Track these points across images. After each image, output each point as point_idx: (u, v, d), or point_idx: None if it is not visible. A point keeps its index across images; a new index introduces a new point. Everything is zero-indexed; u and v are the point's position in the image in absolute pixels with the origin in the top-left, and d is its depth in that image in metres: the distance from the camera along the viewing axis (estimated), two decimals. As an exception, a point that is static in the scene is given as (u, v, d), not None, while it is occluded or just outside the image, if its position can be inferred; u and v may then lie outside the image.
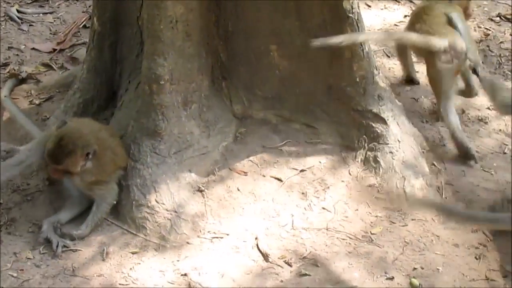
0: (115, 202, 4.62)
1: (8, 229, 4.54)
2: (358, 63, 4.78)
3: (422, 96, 5.58)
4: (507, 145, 5.25)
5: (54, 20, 6.11)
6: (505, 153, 5.20)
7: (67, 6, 6.28)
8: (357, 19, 4.72)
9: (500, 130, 5.37)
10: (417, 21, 5.31)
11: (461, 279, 4.40)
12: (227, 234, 4.56)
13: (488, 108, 5.54)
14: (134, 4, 4.78)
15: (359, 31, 4.73)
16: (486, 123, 5.45)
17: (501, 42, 6.12)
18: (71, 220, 4.61)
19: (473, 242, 4.62)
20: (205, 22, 4.76)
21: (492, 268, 4.48)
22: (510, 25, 6.29)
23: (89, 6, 5.83)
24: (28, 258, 4.38)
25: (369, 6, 6.27)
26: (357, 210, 4.72)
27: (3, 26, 6.03)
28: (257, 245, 4.52)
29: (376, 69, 4.92)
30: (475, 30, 6.17)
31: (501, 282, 4.40)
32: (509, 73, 5.84)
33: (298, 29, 4.79)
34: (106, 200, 4.59)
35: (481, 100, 5.57)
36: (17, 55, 5.78)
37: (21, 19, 6.09)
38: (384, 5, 6.38)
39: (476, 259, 4.52)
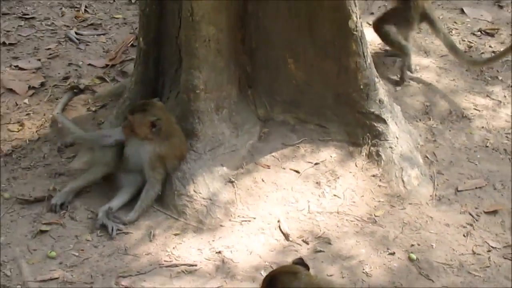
0: (159, 193, 4.61)
1: (71, 215, 4.55)
2: (362, 73, 4.76)
3: (417, 100, 5.51)
4: (488, 139, 5.20)
5: (107, 40, 6.13)
6: (487, 146, 5.15)
7: (117, 28, 6.30)
8: (360, 36, 4.70)
9: (483, 127, 5.32)
10: None
11: (452, 253, 4.39)
12: (254, 218, 4.57)
13: (476, 109, 5.48)
14: (173, 26, 4.77)
15: (362, 46, 4.71)
16: (470, 120, 5.38)
17: (482, 53, 6.08)
18: (121, 207, 4.61)
19: (461, 222, 4.60)
20: (233, 40, 4.76)
21: (478, 244, 4.46)
22: (489, 38, 6.25)
23: (136, 28, 5.84)
24: (88, 240, 4.41)
25: (370, 24, 6.23)
26: (362, 196, 4.71)
27: (64, 46, 6.07)
28: (279, 227, 4.52)
29: (377, 78, 4.90)
30: (460, 43, 6.14)
31: (485, 256, 4.39)
32: (489, 78, 5.79)
33: (311, 44, 4.77)
34: (154, 188, 4.60)
35: (467, 101, 5.53)
36: (76, 70, 5.80)
37: (79, 40, 6.12)
38: (384, 24, 6.33)
39: (464, 236, 4.51)
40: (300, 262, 3.44)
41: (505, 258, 4.37)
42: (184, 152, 4.68)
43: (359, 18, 4.70)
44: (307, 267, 3.42)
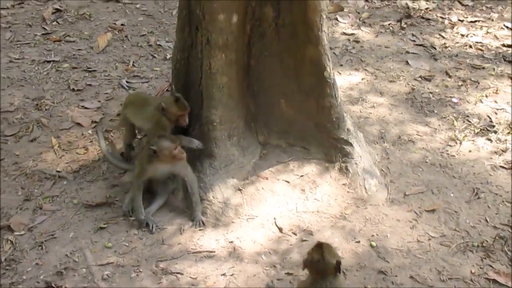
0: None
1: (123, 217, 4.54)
2: (334, 109, 4.74)
3: (374, 128, 5.52)
4: (427, 157, 5.17)
5: (148, 87, 6.14)
6: (426, 162, 5.12)
7: (156, 78, 6.30)
8: (333, 83, 4.69)
9: (423, 148, 5.29)
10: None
11: (402, 241, 4.38)
12: (257, 216, 4.53)
13: (418, 134, 5.45)
14: (197, 77, 4.75)
15: (334, 90, 4.70)
16: (414, 143, 5.35)
17: (422, 93, 6.07)
18: (158, 210, 4.58)
19: (408, 218, 4.57)
20: (240, 86, 4.75)
21: (421, 234, 4.44)
22: (427, 82, 6.25)
23: (169, 78, 5.83)
24: (135, 234, 4.39)
25: (340, 73, 6.27)
26: (336, 199, 4.68)
27: (117, 91, 6.06)
28: (275, 222, 4.49)
29: (345, 113, 4.88)
30: (405, 86, 6.13)
31: (427, 243, 4.37)
32: (428, 112, 5.77)
33: (297, 89, 4.76)
34: (195, 181, 4.52)
35: (411, 129, 5.51)
36: (126, 108, 5.76)
37: (128, 86, 6.11)
38: (349, 73, 6.36)
39: (411, 228, 4.48)
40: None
41: (441, 245, 4.35)
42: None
43: (332, 70, 4.69)
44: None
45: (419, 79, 6.30)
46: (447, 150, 5.26)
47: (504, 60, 6.64)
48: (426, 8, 7.68)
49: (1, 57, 6.53)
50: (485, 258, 4.23)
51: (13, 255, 4.19)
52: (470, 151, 5.27)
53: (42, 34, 7.07)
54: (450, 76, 6.35)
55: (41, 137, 5.35)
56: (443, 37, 7.10)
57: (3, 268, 4.10)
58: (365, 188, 4.73)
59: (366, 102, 5.88)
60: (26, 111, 5.67)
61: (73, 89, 6.04)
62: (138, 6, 7.76)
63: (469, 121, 5.63)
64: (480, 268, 4.17)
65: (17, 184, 4.82)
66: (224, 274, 4.09)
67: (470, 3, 7.90)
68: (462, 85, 6.20)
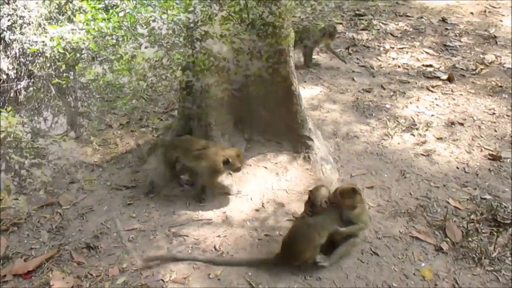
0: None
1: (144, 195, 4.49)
2: (300, 114, 4.73)
3: (329, 127, 5.47)
4: (368, 148, 5.15)
5: (163, 100, 6.05)
6: (367, 151, 5.10)
7: (166, 93, 6.24)
8: (298, 94, 4.68)
9: (365, 141, 5.28)
10: None
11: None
12: (243, 193, 4.51)
13: (361, 132, 5.42)
14: (197, 92, 4.66)
15: (299, 99, 4.69)
16: (358, 138, 5.33)
17: (364, 101, 6.05)
18: (172, 190, 4.53)
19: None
20: (230, 98, 4.69)
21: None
22: (367, 93, 6.24)
23: (178, 93, 5.77)
24: (153, 207, 4.35)
25: (304, 87, 6.25)
26: (301, 180, 4.66)
27: (140, 103, 5.98)
28: (258, 197, 4.46)
29: (308, 116, 4.86)
30: (352, 96, 6.12)
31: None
32: (368, 115, 5.75)
33: (272, 99, 4.72)
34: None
35: (356, 128, 5.50)
36: (147, 115, 5.73)
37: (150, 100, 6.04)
38: (311, 87, 6.33)
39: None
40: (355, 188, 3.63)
41: (378, 212, 4.35)
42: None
43: (297, 85, 4.67)
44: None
45: (362, 91, 6.28)
46: (382, 143, 5.26)
47: (424, 76, 6.65)
48: (367, 39, 7.69)
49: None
50: (409, 221, 4.25)
51: (61, 223, 4.16)
52: (398, 143, 5.27)
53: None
54: (384, 89, 6.35)
55: (82, 136, 5.31)
56: (379, 60, 7.10)
57: (54, 233, 4.07)
58: (322, 172, 4.72)
59: (323, 108, 5.85)
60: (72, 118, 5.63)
61: (107, 101, 5.99)
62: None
63: (398, 121, 5.63)
64: (406, 228, 4.18)
65: (65, 171, 4.77)
66: (219, 236, 4.07)
67: (399, 35, 7.90)
68: (393, 95, 6.20)
